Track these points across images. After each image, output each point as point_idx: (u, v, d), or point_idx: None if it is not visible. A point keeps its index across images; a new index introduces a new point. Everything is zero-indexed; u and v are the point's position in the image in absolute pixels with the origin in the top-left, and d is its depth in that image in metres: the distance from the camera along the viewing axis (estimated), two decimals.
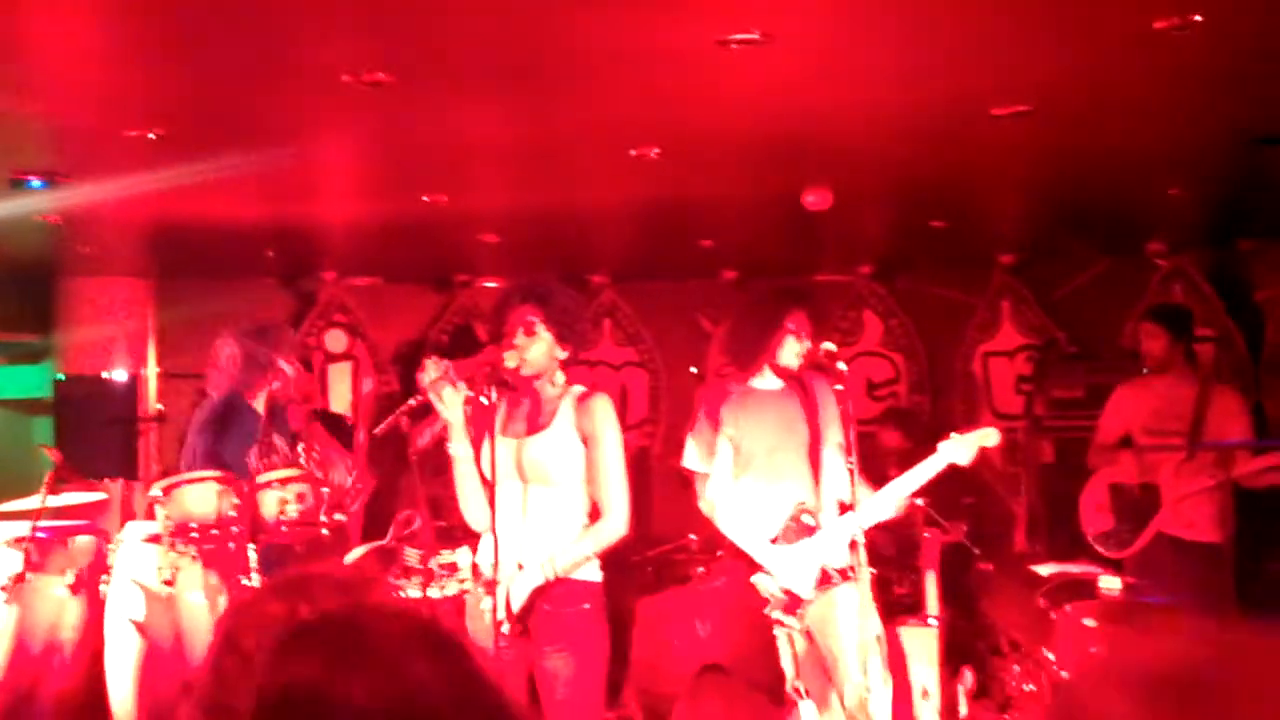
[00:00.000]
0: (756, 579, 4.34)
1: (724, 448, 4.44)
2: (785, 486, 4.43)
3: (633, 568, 6.96)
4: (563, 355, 3.87)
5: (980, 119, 4.84)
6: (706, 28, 3.90)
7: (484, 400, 3.76)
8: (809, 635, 4.40)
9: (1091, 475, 6.15)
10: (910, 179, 6.03)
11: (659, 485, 8.41)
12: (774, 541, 4.34)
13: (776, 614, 4.29)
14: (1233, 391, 6.03)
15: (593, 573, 3.83)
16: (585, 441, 3.79)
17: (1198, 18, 3.77)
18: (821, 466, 4.41)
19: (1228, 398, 5.91)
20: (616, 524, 3.77)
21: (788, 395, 4.49)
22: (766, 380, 4.54)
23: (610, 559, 3.91)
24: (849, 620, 4.33)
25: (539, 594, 3.73)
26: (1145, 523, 5.80)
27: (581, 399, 3.86)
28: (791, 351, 4.37)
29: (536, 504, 3.81)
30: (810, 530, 4.36)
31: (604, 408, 3.83)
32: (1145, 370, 5.97)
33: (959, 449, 4.41)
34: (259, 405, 5.53)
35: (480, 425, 3.81)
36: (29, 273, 7.69)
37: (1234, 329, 7.46)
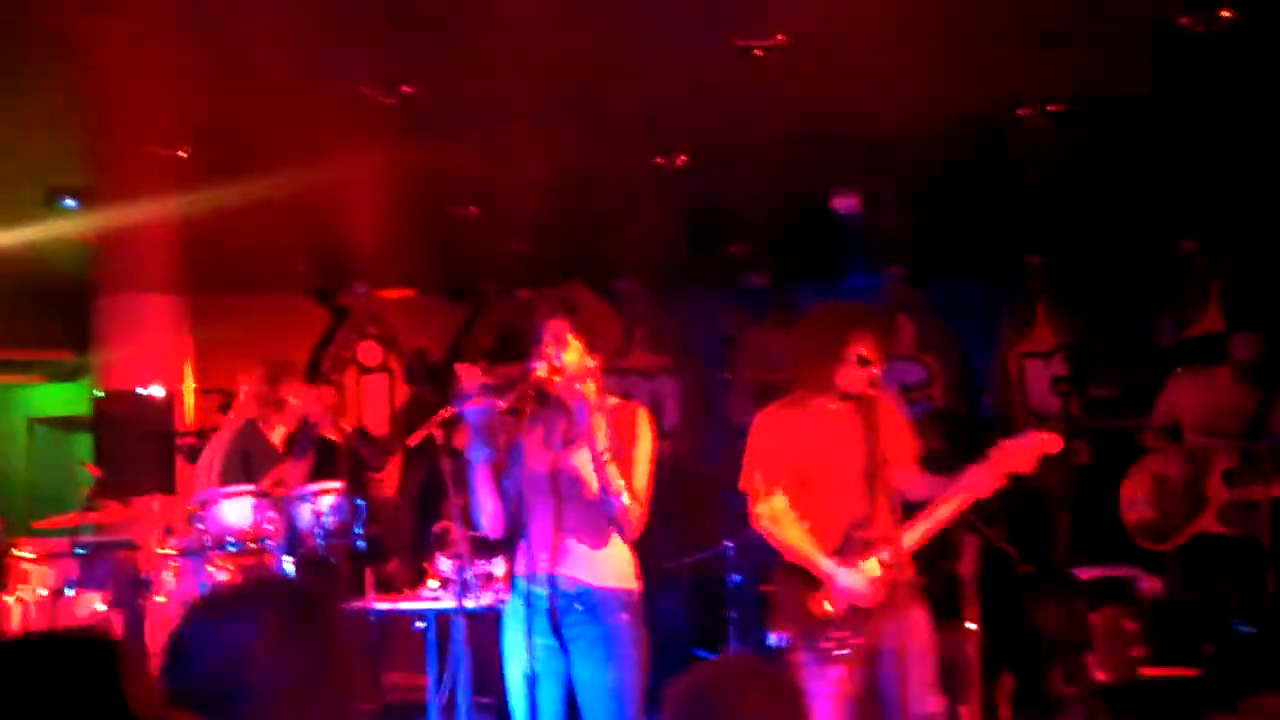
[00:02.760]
0: (821, 604, 4.28)
1: (780, 472, 4.40)
2: (843, 507, 4.39)
3: (667, 575, 6.95)
4: (593, 364, 3.86)
5: (1008, 119, 4.82)
6: (732, 34, 3.90)
7: (520, 412, 3.75)
8: (864, 658, 4.31)
9: (1133, 466, 6.09)
10: (940, 180, 5.99)
11: (692, 493, 8.40)
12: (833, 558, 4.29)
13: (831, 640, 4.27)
14: None
15: (630, 582, 3.81)
16: (621, 444, 3.78)
17: (1224, 13, 3.75)
18: (880, 485, 4.34)
19: None
20: (634, 510, 3.73)
21: (849, 416, 4.42)
22: (828, 401, 4.45)
23: (644, 566, 3.89)
24: (919, 631, 4.25)
25: (577, 600, 3.72)
26: (1187, 518, 5.73)
27: (616, 410, 3.85)
28: (856, 377, 4.29)
29: (571, 520, 3.80)
30: (869, 548, 4.31)
31: (641, 415, 3.83)
32: (1235, 373, 5.90)
33: (1018, 458, 4.27)
34: (275, 437, 5.71)
35: (510, 437, 3.81)
36: (66, 291, 7.77)
37: (1267, 325, 7.36)
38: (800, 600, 4.23)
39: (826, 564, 4.23)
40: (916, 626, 4.24)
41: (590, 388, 3.77)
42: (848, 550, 4.29)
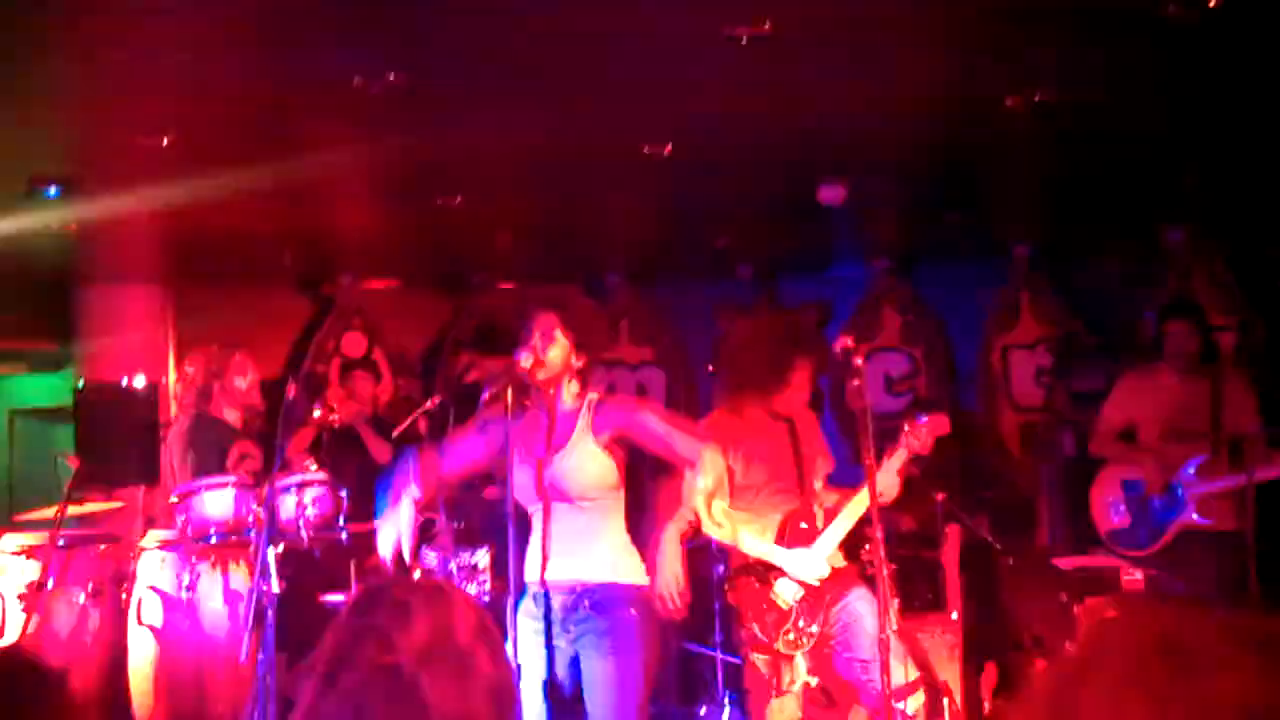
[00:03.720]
0: (776, 589, 4.40)
1: (724, 475, 4.53)
2: (779, 507, 4.57)
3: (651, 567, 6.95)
4: (579, 364, 3.87)
5: (995, 109, 4.82)
6: (717, 23, 3.89)
7: (504, 403, 3.75)
8: (829, 640, 4.46)
9: (1100, 470, 6.07)
10: (925, 171, 6.00)
11: (676, 484, 8.40)
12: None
13: (792, 633, 4.37)
14: (1241, 380, 5.95)
15: (639, 577, 3.82)
16: (622, 428, 3.78)
17: (1212, 4, 3.75)
18: (808, 484, 4.62)
19: (1238, 387, 5.84)
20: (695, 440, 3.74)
21: (780, 427, 4.64)
22: (764, 413, 4.66)
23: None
24: (868, 620, 4.40)
25: (582, 597, 3.72)
26: (1164, 521, 5.72)
27: (598, 402, 3.86)
28: (796, 399, 4.52)
29: (559, 522, 3.81)
30: (808, 534, 4.50)
31: (625, 398, 3.87)
32: (1172, 367, 5.86)
33: (914, 439, 4.49)
34: (229, 416, 5.72)
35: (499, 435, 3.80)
36: (48, 281, 7.72)
37: (1256, 317, 7.39)
38: (758, 599, 4.39)
39: (778, 550, 4.44)
40: (859, 610, 4.41)
41: (573, 387, 3.76)
42: (789, 542, 4.45)
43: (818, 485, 4.68)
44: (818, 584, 4.42)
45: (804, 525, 4.50)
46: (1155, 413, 5.84)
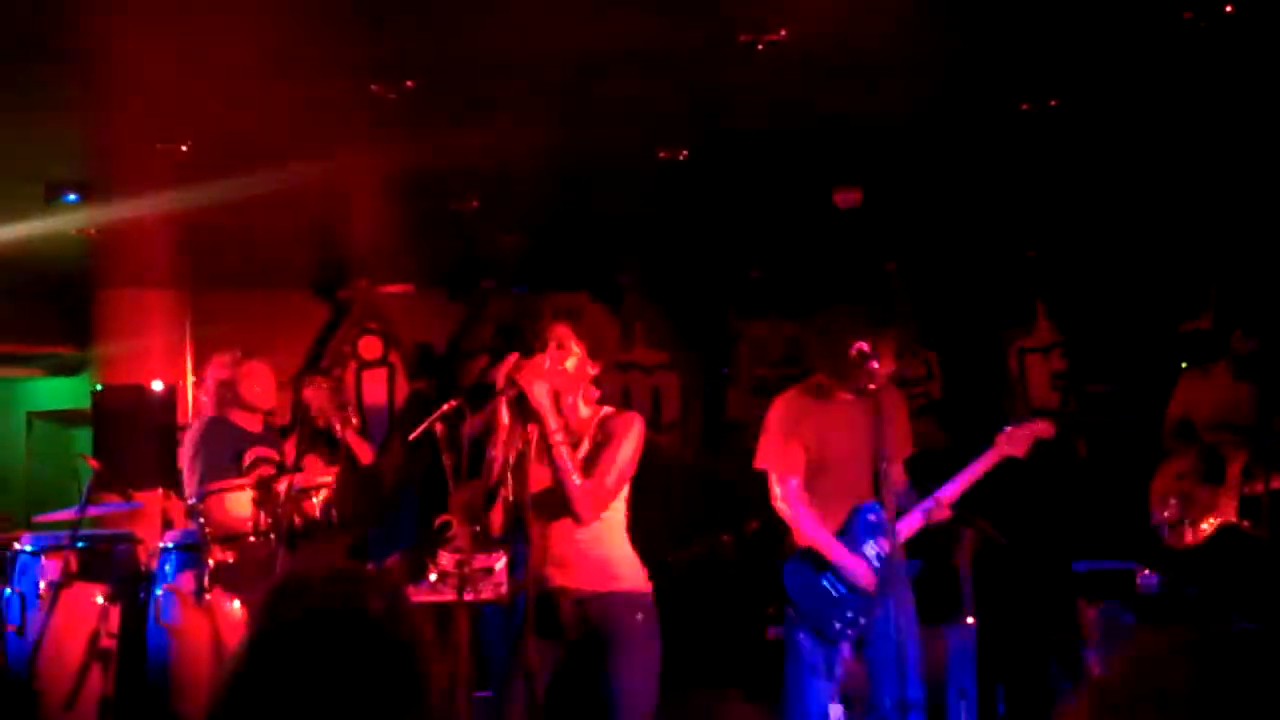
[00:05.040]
0: (827, 578, 4.43)
1: (798, 454, 4.50)
2: (851, 493, 4.53)
3: (667, 568, 6.96)
4: (593, 372, 3.89)
5: (1008, 113, 4.82)
6: (734, 29, 3.91)
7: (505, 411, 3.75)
8: (860, 640, 4.48)
9: (1159, 464, 6.10)
10: (940, 174, 6.00)
11: (690, 487, 8.41)
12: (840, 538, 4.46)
13: (837, 622, 4.40)
14: None
15: (643, 582, 3.83)
16: (605, 441, 3.79)
17: (1228, 9, 3.75)
18: (883, 475, 4.50)
19: None
20: (587, 489, 3.73)
21: (859, 408, 4.55)
22: (842, 392, 4.61)
23: (642, 559, 3.91)
24: (907, 622, 4.43)
25: (588, 604, 3.73)
26: (1206, 515, 5.74)
27: (610, 416, 3.87)
28: (874, 375, 4.44)
29: (566, 529, 3.82)
30: (871, 532, 4.48)
31: (632, 420, 3.84)
32: (1231, 367, 5.90)
33: (1014, 441, 4.48)
34: (246, 422, 5.71)
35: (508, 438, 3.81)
36: (67, 286, 7.78)
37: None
38: (811, 582, 4.42)
39: (837, 548, 4.41)
40: (907, 612, 4.42)
41: (541, 388, 3.73)
42: (850, 533, 4.44)
43: (895, 470, 4.58)
44: (868, 589, 4.42)
45: (871, 518, 4.48)
46: (1205, 408, 5.92)
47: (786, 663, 4.52)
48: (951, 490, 4.45)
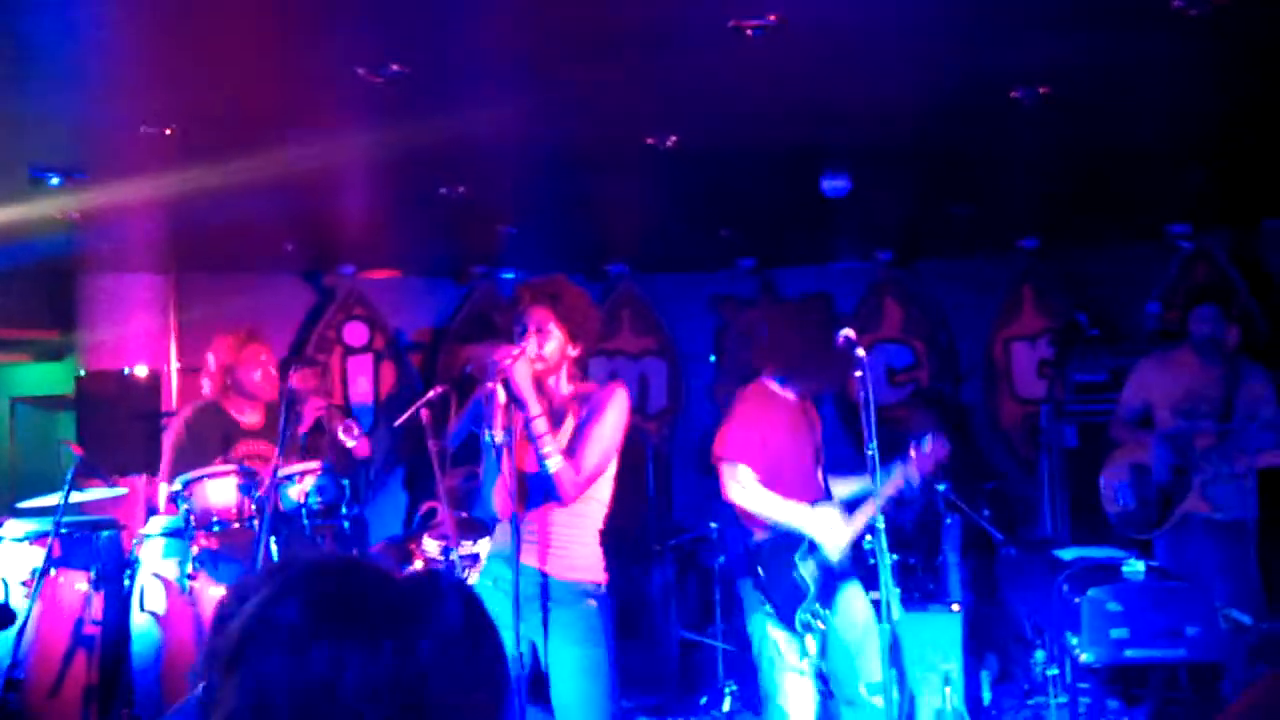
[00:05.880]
0: (799, 567, 4.46)
1: (756, 445, 4.57)
2: (803, 488, 4.64)
3: (654, 557, 6.97)
4: (574, 354, 3.91)
5: (999, 101, 4.81)
6: (725, 14, 3.89)
7: (492, 396, 3.76)
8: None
9: (1108, 458, 6.09)
10: (929, 163, 5.99)
11: (678, 475, 8.42)
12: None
13: (806, 613, 4.43)
14: (1261, 372, 5.96)
15: (597, 572, 3.87)
16: (587, 417, 3.81)
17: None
18: (822, 470, 4.77)
19: (1257, 375, 5.85)
20: (567, 469, 3.74)
21: (799, 409, 4.75)
22: (786, 392, 4.74)
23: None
24: (866, 608, 4.52)
25: (543, 589, 3.77)
26: (1171, 504, 5.75)
27: (592, 392, 3.89)
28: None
29: (543, 512, 3.84)
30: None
31: (616, 394, 3.87)
32: (1195, 351, 5.88)
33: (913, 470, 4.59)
34: (245, 415, 5.62)
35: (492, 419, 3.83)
36: (50, 270, 7.73)
37: (1257, 309, 7.40)
38: (779, 576, 4.45)
39: (804, 510, 4.51)
40: (858, 601, 4.58)
41: (523, 369, 3.74)
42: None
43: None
44: (838, 556, 4.50)
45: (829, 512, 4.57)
46: (1169, 393, 5.87)
47: (765, 666, 4.53)
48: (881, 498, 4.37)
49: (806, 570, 4.45)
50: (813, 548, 4.48)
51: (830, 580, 4.51)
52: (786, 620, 4.44)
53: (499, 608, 3.65)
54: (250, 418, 5.61)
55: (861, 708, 4.46)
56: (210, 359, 5.67)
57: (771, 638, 4.48)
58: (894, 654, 4.20)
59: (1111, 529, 5.96)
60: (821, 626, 4.45)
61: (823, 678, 4.58)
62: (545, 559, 3.80)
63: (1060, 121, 5.17)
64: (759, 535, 4.53)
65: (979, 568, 6.45)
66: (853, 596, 4.58)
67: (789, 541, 4.48)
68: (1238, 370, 5.80)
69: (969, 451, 7.78)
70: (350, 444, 5.60)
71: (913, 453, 4.54)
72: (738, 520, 4.60)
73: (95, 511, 5.93)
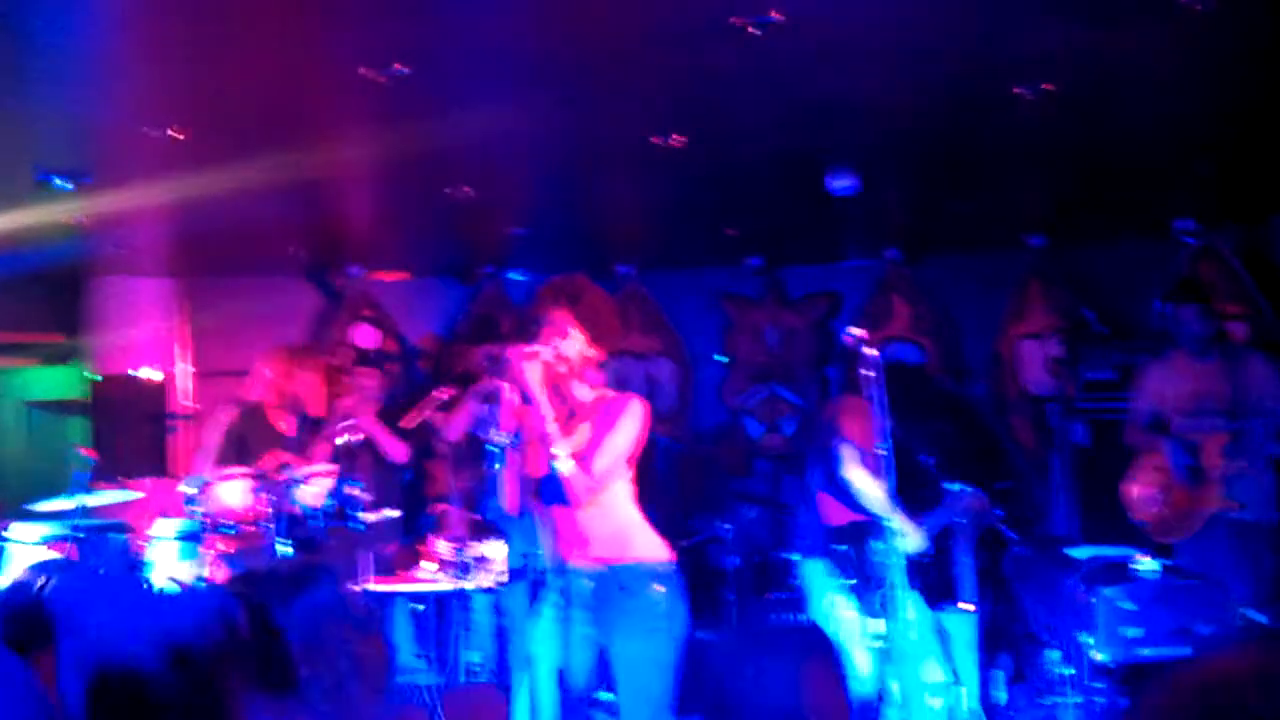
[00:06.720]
0: (871, 554, 4.75)
1: (864, 436, 4.81)
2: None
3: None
4: (595, 355, 3.88)
5: (1005, 97, 4.80)
6: (728, 12, 3.88)
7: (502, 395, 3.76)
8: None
9: (1132, 460, 6.05)
10: (936, 160, 5.98)
11: (687, 476, 8.40)
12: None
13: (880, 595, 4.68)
14: (1263, 361, 5.92)
15: (659, 552, 3.83)
16: (603, 425, 3.79)
17: None
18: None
19: (1260, 368, 5.82)
20: (577, 473, 3.72)
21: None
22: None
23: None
24: (925, 613, 4.76)
25: (613, 577, 3.74)
26: (1194, 506, 5.70)
27: (609, 399, 3.87)
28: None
29: (575, 509, 3.82)
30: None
31: (632, 403, 3.84)
32: (1188, 350, 5.85)
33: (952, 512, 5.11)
34: (282, 424, 5.77)
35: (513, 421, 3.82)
36: (60, 274, 7.73)
37: (1264, 305, 7.36)
38: (864, 556, 4.67)
39: (901, 515, 4.81)
40: (916, 607, 4.90)
41: (535, 370, 3.73)
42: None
43: None
44: (912, 549, 4.84)
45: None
46: (1175, 396, 5.86)
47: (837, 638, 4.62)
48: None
49: (885, 556, 4.64)
50: (890, 537, 4.69)
51: (902, 572, 4.71)
52: (864, 598, 4.63)
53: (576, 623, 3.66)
54: (286, 425, 5.74)
55: (913, 710, 4.58)
56: (265, 370, 5.87)
57: (843, 615, 4.65)
58: (946, 656, 4.38)
59: (1125, 520, 5.93)
60: (878, 610, 4.66)
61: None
62: (599, 547, 3.77)
63: (1066, 118, 5.15)
64: (840, 519, 4.75)
65: (992, 567, 6.43)
66: (911, 601, 4.75)
67: (871, 528, 4.71)
68: (1239, 364, 5.77)
69: (979, 450, 7.76)
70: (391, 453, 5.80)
71: (948, 497, 5.03)
72: (814, 504, 4.90)
73: (107, 515, 5.94)
